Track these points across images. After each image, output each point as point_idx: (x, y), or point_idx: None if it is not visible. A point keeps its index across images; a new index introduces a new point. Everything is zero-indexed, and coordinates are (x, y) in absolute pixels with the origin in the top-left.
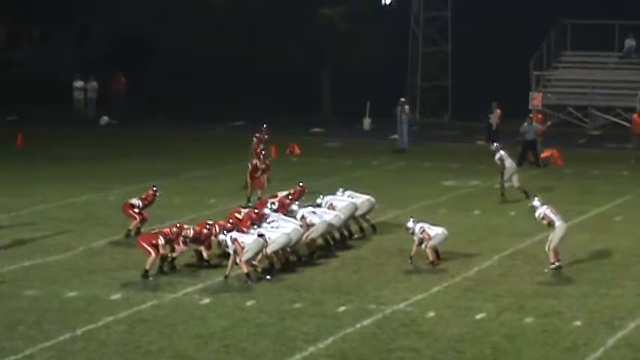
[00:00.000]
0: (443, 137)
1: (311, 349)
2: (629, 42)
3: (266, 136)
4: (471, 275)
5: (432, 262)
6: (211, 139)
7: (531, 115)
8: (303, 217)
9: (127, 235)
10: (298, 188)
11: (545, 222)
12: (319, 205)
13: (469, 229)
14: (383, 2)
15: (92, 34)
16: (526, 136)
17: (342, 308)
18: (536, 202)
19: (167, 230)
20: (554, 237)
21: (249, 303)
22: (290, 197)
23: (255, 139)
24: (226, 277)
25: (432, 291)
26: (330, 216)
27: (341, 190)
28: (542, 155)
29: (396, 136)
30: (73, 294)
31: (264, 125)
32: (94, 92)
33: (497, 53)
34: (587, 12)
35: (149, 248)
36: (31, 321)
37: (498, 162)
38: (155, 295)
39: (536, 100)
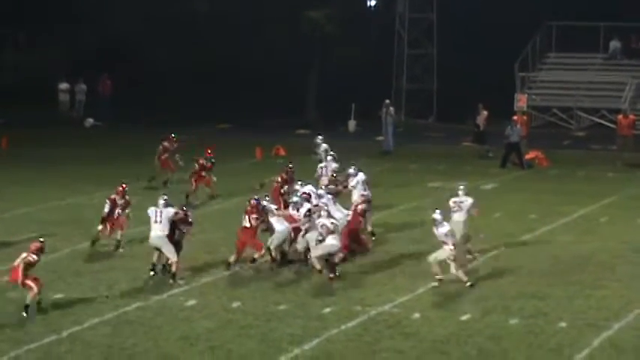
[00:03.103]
0: (428, 139)
1: (296, 350)
2: (614, 43)
3: (175, 145)
4: (456, 277)
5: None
6: (197, 142)
7: (515, 118)
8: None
9: (117, 247)
10: (288, 171)
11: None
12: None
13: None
14: (368, 4)
15: (79, 38)
16: (510, 139)
17: (327, 310)
18: (437, 216)
19: None
20: (440, 254)
21: (234, 304)
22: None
23: (161, 147)
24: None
25: (417, 292)
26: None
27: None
28: (527, 157)
29: (381, 138)
30: (58, 296)
31: (172, 135)
32: (83, 94)
33: (482, 55)
34: (572, 13)
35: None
36: (16, 323)
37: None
38: (140, 296)
39: (521, 101)
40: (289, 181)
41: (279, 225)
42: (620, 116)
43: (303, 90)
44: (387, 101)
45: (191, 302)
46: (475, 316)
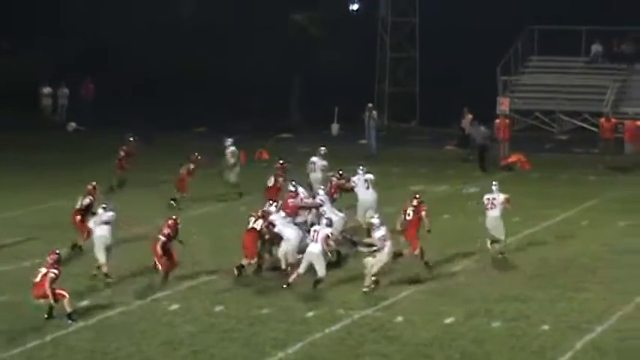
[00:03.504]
0: (411, 143)
1: (280, 354)
2: (596, 47)
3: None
4: (439, 280)
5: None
6: (178, 145)
7: (498, 121)
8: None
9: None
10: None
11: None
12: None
13: (438, 233)
14: (350, 8)
15: (63, 43)
16: (477, 141)
17: (311, 314)
18: (375, 220)
19: None
20: (378, 262)
21: (217, 309)
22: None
23: (122, 152)
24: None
25: (400, 296)
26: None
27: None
28: (510, 160)
29: (364, 142)
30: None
31: (131, 139)
32: (65, 99)
33: (465, 58)
34: (553, 17)
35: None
36: (0, 327)
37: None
38: (123, 301)
39: (503, 105)
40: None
41: (292, 232)
42: (602, 120)
43: (287, 93)
44: (370, 105)
45: (174, 307)
46: (458, 319)
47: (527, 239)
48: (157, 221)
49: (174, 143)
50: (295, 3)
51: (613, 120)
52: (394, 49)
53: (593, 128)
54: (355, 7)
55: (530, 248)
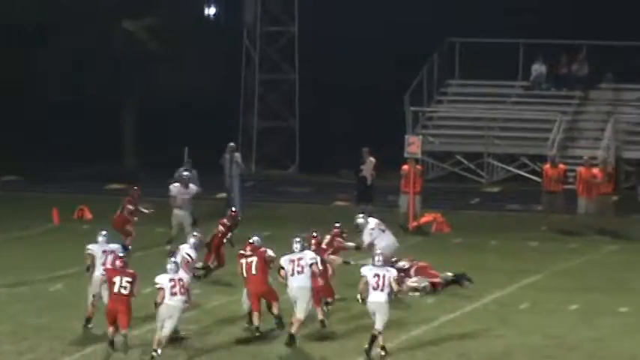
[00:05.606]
0: (288, 195)
1: None
2: (538, 67)
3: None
4: None
5: None
6: None
7: (406, 167)
8: None
9: None
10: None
11: None
12: None
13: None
14: (206, 13)
15: None
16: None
17: None
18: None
19: None
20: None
21: None
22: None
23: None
24: None
25: None
26: None
27: None
28: (422, 220)
29: (223, 195)
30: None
31: (135, 187)
32: None
33: (360, 82)
34: (481, 28)
35: None
36: None
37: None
38: None
39: (413, 145)
40: None
41: None
42: (547, 166)
43: (117, 127)
44: (232, 144)
45: None
46: None
47: (447, 328)
48: None
49: None
50: (126, 7)
51: (561, 166)
52: (266, 69)
53: (534, 177)
54: (212, 11)
55: (447, 339)
